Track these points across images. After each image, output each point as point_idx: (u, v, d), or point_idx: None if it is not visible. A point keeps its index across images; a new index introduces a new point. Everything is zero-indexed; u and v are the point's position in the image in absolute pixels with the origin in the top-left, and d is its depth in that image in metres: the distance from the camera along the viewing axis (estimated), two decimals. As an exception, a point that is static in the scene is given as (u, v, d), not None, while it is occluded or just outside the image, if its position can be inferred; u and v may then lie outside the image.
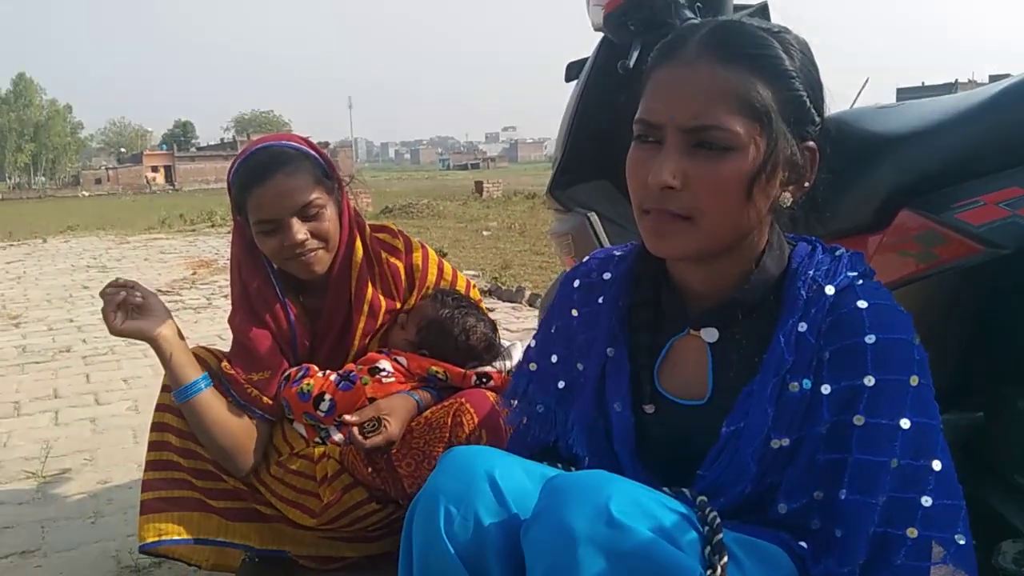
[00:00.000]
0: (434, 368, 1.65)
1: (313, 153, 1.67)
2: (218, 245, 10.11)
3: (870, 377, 0.90)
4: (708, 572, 0.84)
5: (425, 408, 1.62)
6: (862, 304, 0.93)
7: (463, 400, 1.55)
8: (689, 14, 1.56)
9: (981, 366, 1.19)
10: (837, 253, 1.00)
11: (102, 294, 1.55)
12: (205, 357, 1.70)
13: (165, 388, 1.69)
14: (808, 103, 0.92)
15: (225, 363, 1.67)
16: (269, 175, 1.57)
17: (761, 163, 0.90)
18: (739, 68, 0.89)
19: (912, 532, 0.88)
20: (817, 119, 0.94)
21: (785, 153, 0.92)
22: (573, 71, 2.11)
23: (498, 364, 1.71)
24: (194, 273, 7.63)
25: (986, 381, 1.19)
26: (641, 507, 0.85)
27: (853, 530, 0.90)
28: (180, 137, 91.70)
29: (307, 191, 1.59)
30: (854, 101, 2.63)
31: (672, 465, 1.03)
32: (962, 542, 0.89)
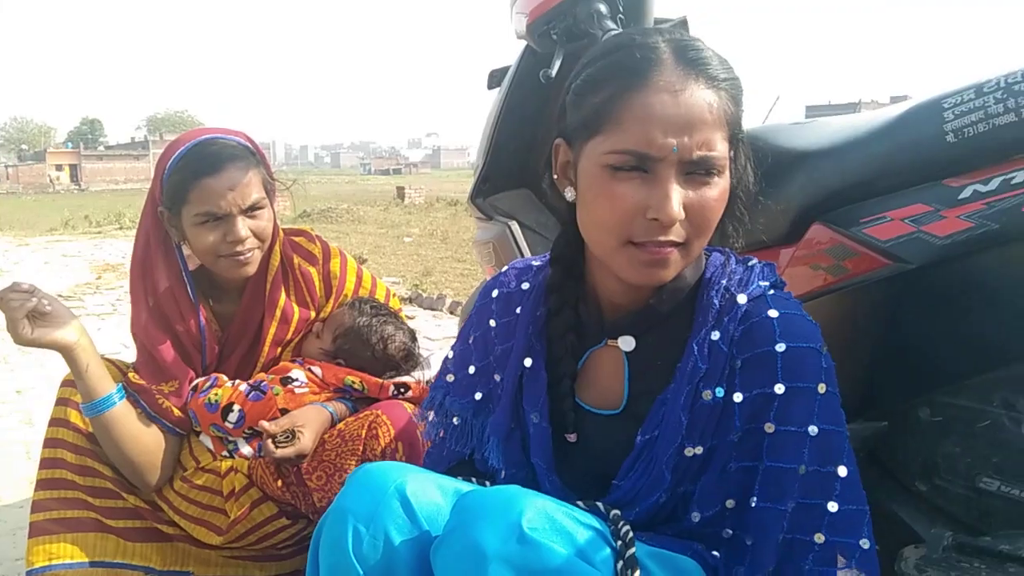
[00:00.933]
0: (350, 378, 1.60)
1: (258, 152, 1.61)
2: (125, 248, 9.68)
3: (780, 385, 0.91)
4: None
5: (339, 420, 1.56)
6: (773, 313, 0.94)
7: (379, 412, 1.50)
8: (611, 25, 1.57)
9: (886, 377, 1.23)
10: (750, 264, 1.01)
11: (3, 299, 1.41)
12: (109, 370, 1.60)
13: (60, 401, 1.59)
14: (740, 116, 0.93)
15: (132, 374, 1.58)
16: (223, 167, 1.51)
17: (736, 182, 0.93)
18: (721, 93, 0.89)
19: (819, 537, 0.89)
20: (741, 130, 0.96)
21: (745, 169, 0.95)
22: (495, 79, 2.09)
23: (417, 374, 1.68)
24: (99, 278, 7.29)
25: (890, 392, 1.23)
26: (553, 523, 0.84)
27: (763, 537, 0.92)
28: (88, 135, 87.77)
29: (256, 188, 1.55)
30: (766, 117, 2.71)
31: (589, 475, 1.02)
32: (866, 546, 0.90)
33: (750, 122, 1.05)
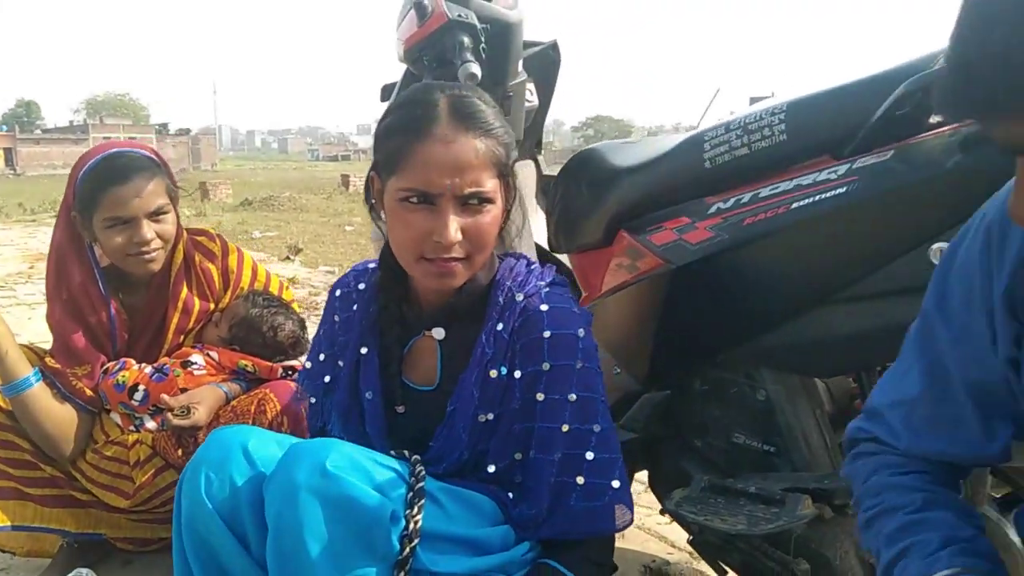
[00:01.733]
0: (243, 362, 1.84)
1: (162, 164, 1.83)
2: (60, 237, 9.59)
3: (546, 363, 1.16)
4: (407, 511, 1.08)
5: (233, 398, 1.80)
6: (544, 307, 1.19)
7: (267, 391, 1.74)
8: (469, 57, 1.81)
9: (667, 354, 1.51)
10: (532, 267, 1.27)
11: None
12: (27, 354, 1.80)
13: (-19, 384, 1.78)
14: (510, 155, 1.16)
15: (49, 358, 1.79)
16: (131, 176, 1.72)
17: (505, 208, 1.16)
18: (487, 139, 1.12)
19: (580, 479, 1.16)
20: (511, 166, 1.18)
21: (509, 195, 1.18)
22: (386, 93, 2.32)
23: (303, 359, 1.91)
24: (31, 267, 7.27)
25: (671, 366, 1.51)
26: (354, 464, 1.08)
27: (537, 481, 1.18)
28: (23, 117, 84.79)
29: (159, 196, 1.76)
30: (706, 110, 2.92)
31: (413, 440, 1.26)
32: (617, 486, 1.18)
33: (694, 114, 1.28)
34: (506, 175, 1.16)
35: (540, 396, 1.17)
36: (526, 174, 2.35)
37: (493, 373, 1.19)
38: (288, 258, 7.57)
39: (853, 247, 1.19)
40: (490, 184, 1.12)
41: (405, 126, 1.13)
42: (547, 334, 1.17)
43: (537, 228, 2.21)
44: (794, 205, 1.20)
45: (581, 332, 1.18)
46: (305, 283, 6.13)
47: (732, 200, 1.29)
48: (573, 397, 1.16)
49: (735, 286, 1.33)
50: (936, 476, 0.91)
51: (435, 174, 1.09)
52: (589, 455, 1.16)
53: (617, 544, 2.07)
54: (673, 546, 2.08)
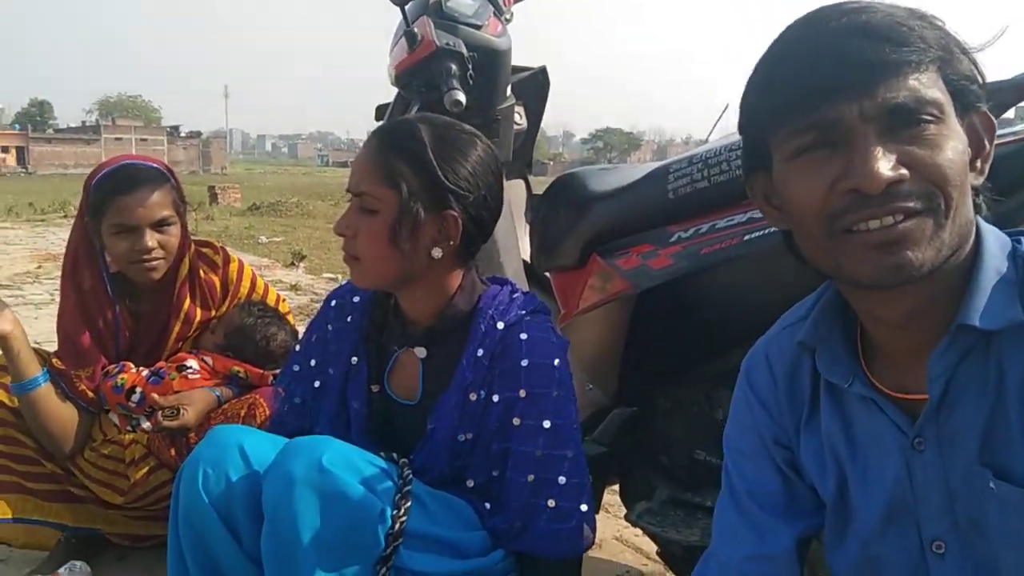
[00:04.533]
0: (236, 368, 1.93)
1: (172, 178, 1.92)
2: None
3: (523, 390, 1.24)
4: (394, 512, 1.17)
5: (225, 401, 1.89)
6: (523, 336, 1.26)
7: (257, 396, 1.84)
8: (455, 84, 1.89)
9: (635, 372, 1.59)
10: (515, 295, 1.33)
11: None
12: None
13: (-12, 381, 1.88)
14: (448, 183, 1.21)
15: (55, 359, 1.88)
16: (138, 186, 1.82)
17: (394, 222, 1.20)
18: (391, 154, 1.21)
19: (551, 502, 1.24)
20: (467, 195, 1.22)
21: (420, 217, 1.20)
22: (380, 113, 2.42)
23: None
24: (39, 267, 7.39)
25: (639, 384, 1.60)
26: (348, 462, 1.16)
27: (512, 498, 1.26)
28: (36, 117, 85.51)
29: (164, 208, 1.86)
30: (714, 125, 3.00)
31: (394, 449, 1.33)
32: (584, 509, 1.26)
33: (703, 128, 1.37)
34: (401, 194, 1.21)
35: (516, 421, 1.24)
36: (516, 193, 2.44)
37: (473, 396, 1.26)
38: (293, 264, 7.67)
39: (800, 277, 1.28)
40: (378, 192, 1.22)
41: None
42: (525, 362, 1.24)
43: (526, 246, 2.30)
44: (747, 236, 1.28)
45: (557, 361, 1.26)
46: (308, 290, 6.22)
47: (692, 230, 1.38)
48: (547, 424, 1.23)
49: (694, 310, 1.42)
50: None
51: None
52: (561, 479, 1.24)
53: (593, 554, 2.17)
54: (648, 557, 2.16)
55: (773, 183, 0.84)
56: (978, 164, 0.80)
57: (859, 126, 0.74)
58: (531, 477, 1.24)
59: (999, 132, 1.21)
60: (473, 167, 1.24)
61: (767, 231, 1.26)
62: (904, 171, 0.73)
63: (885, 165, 0.73)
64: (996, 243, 0.80)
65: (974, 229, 0.79)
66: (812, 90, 0.75)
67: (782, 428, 0.98)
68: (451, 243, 1.25)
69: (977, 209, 0.80)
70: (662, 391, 1.56)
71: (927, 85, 0.74)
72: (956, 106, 0.76)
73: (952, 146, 0.74)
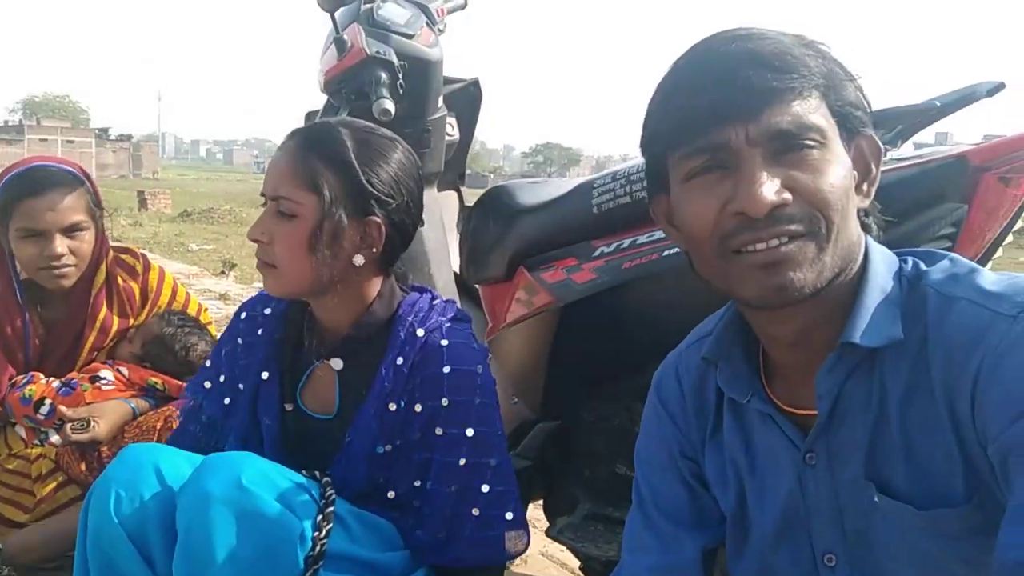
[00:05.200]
0: (152, 379, 1.87)
1: (87, 181, 1.85)
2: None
3: (445, 399, 1.21)
4: (315, 534, 1.12)
5: (141, 414, 1.82)
6: (444, 343, 1.23)
7: (174, 408, 1.78)
8: (385, 93, 1.87)
9: (558, 385, 1.60)
10: (435, 302, 1.31)
11: None
12: None
13: None
14: (371, 189, 1.18)
15: None
16: (47, 189, 1.74)
17: (314, 227, 1.16)
18: (312, 157, 1.18)
19: (476, 511, 1.22)
20: (389, 201, 1.20)
21: (341, 223, 1.17)
22: (310, 119, 2.39)
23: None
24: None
25: (562, 397, 1.60)
26: (268, 480, 1.12)
27: (434, 510, 1.23)
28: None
29: (76, 212, 1.79)
30: None
31: (310, 465, 1.28)
32: (510, 517, 1.24)
33: None
34: (322, 199, 1.18)
35: (439, 431, 1.21)
36: (448, 204, 2.43)
37: (392, 406, 1.23)
38: (223, 273, 7.51)
39: (715, 293, 1.31)
40: (297, 197, 1.18)
41: None
42: (447, 369, 1.21)
43: (456, 258, 2.29)
44: (665, 252, 1.31)
45: (480, 368, 1.24)
46: (237, 299, 6.08)
47: (614, 245, 1.39)
48: (471, 432, 1.21)
49: (616, 324, 1.44)
50: None
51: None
52: (484, 488, 1.22)
53: (518, 570, 2.16)
54: (572, 572, 2.16)
55: (671, 205, 0.87)
56: (864, 187, 0.83)
57: (745, 150, 0.77)
58: (454, 487, 1.22)
59: (901, 156, 1.27)
60: (396, 172, 1.22)
61: (685, 247, 1.29)
62: (787, 195, 0.76)
63: (769, 189, 0.75)
64: (883, 263, 0.83)
65: (862, 250, 0.83)
66: (701, 114, 0.78)
67: (689, 441, 1.00)
68: (373, 250, 1.22)
69: (867, 230, 0.83)
70: (586, 404, 1.57)
71: (809, 111, 0.77)
72: (841, 132, 0.79)
73: (834, 171, 0.77)
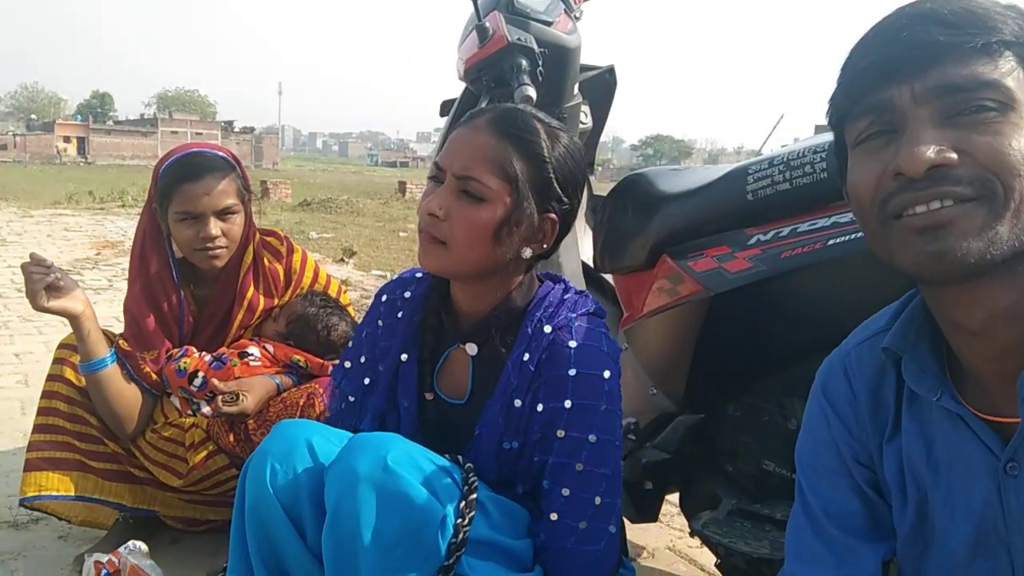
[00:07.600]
0: (296, 357, 1.93)
1: (237, 166, 1.94)
2: (126, 227, 9.95)
3: (569, 401, 1.18)
4: (458, 520, 1.13)
5: (285, 390, 1.89)
6: (572, 344, 1.20)
7: (316, 385, 1.84)
8: (526, 79, 1.88)
9: (703, 378, 1.55)
10: (566, 296, 1.27)
11: (25, 270, 1.71)
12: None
13: (57, 360, 1.92)
14: (556, 185, 1.19)
15: (122, 341, 1.92)
16: (203, 175, 1.85)
17: (504, 216, 1.16)
18: (504, 141, 1.16)
19: (583, 524, 1.19)
20: (564, 199, 1.20)
21: (527, 215, 1.17)
22: (445, 109, 2.42)
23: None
24: (98, 254, 7.58)
25: (707, 390, 1.55)
26: (413, 462, 1.13)
27: (546, 511, 1.21)
28: (97, 108, 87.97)
29: (229, 196, 1.88)
30: (769, 135, 2.96)
31: (443, 448, 1.27)
32: (613, 531, 1.21)
33: (756, 138, 1.32)
34: (516, 188, 1.17)
35: (560, 433, 1.19)
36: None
37: (517, 402, 1.22)
38: (342, 260, 7.74)
39: (884, 285, 1.23)
40: (488, 181, 1.15)
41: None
42: (573, 372, 1.19)
43: (585, 247, 2.27)
44: (830, 242, 1.24)
45: (607, 373, 1.20)
46: (357, 286, 6.27)
47: (772, 233, 1.33)
48: (593, 438, 1.18)
49: (771, 316, 1.37)
50: None
51: (446, 152, 1.21)
52: (597, 499, 1.19)
53: (646, 563, 2.12)
54: (702, 569, 2.11)
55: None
56: None
57: (911, 109, 0.71)
58: (567, 491, 1.19)
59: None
60: (576, 171, 1.22)
61: (852, 236, 1.21)
62: (952, 155, 0.70)
63: (929, 147, 0.70)
64: None
65: None
66: (866, 74, 0.74)
67: (863, 446, 0.93)
68: (544, 245, 1.22)
69: None
70: (731, 399, 1.52)
71: (993, 70, 0.70)
72: None
73: (1020, 137, 0.69)
